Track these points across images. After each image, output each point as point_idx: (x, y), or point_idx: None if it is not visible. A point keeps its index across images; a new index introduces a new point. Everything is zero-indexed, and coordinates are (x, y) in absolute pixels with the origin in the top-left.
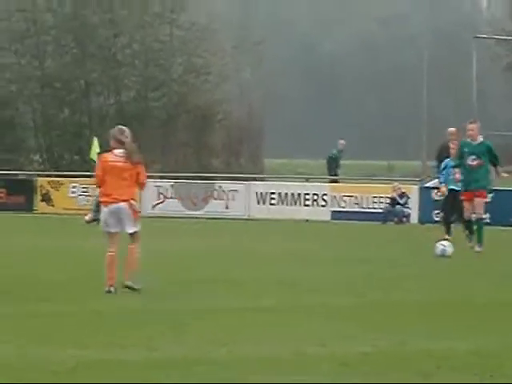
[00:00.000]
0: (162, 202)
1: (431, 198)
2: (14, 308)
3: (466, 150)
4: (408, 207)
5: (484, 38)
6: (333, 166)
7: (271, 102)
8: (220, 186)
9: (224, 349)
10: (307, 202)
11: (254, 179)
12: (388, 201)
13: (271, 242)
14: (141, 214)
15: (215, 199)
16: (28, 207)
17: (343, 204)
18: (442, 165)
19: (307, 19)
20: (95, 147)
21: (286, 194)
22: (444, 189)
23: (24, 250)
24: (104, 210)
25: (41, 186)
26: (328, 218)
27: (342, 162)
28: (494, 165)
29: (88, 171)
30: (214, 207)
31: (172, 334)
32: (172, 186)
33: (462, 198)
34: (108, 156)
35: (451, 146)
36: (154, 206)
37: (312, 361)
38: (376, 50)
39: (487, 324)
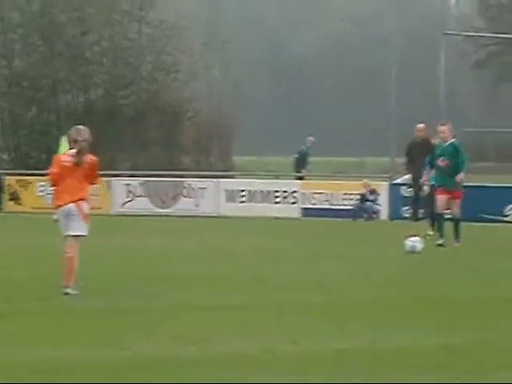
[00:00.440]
0: (131, 201)
1: (401, 194)
2: None
3: (437, 151)
4: (378, 204)
5: (453, 34)
6: (301, 162)
7: (241, 100)
8: (189, 184)
9: (195, 347)
10: (277, 200)
11: (224, 177)
12: (358, 197)
13: (241, 240)
14: (110, 213)
15: (184, 197)
16: None
17: (313, 201)
18: (427, 162)
19: (276, 19)
20: (63, 146)
21: (256, 191)
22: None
23: None
24: (58, 211)
25: (8, 184)
26: (298, 215)
27: (311, 158)
28: (460, 169)
29: None
30: (184, 205)
31: (144, 333)
32: (141, 184)
33: (436, 193)
34: (62, 156)
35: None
36: (123, 205)
37: (282, 358)
38: (345, 50)
39: (458, 319)
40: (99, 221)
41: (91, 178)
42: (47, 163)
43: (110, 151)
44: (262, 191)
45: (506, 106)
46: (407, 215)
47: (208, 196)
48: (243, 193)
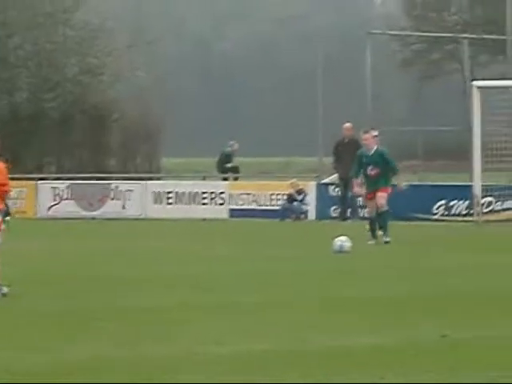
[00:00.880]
0: (57, 204)
1: (328, 194)
2: None
3: (363, 160)
4: (306, 204)
5: (378, 33)
6: (224, 162)
7: (167, 101)
8: (116, 186)
9: (122, 348)
10: (204, 201)
11: (151, 178)
12: (286, 197)
13: (168, 241)
14: (37, 216)
15: (112, 199)
16: None
17: (241, 202)
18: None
19: (202, 19)
20: None
21: (183, 192)
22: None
23: None
24: None
25: None
26: (226, 216)
27: (239, 159)
28: (394, 173)
29: None
30: (111, 207)
31: (69, 335)
32: (68, 186)
33: (367, 198)
34: None
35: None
36: (49, 208)
37: (207, 359)
38: (271, 50)
39: (389, 319)
40: (25, 224)
41: (2, 189)
42: None
43: (36, 154)
44: (189, 193)
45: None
46: (335, 215)
47: (135, 198)
48: (170, 194)
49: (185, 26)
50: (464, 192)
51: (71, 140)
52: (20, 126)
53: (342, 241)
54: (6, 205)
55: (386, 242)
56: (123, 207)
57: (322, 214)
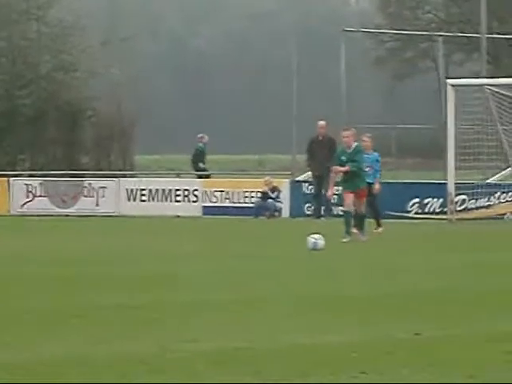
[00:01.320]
0: (31, 201)
1: (302, 191)
2: None
3: (343, 158)
4: (280, 201)
5: (352, 31)
6: (199, 158)
7: (141, 99)
8: (90, 183)
9: (96, 347)
10: (178, 198)
11: (124, 176)
12: (259, 195)
13: (142, 239)
14: (10, 213)
15: (85, 196)
16: None
17: (214, 199)
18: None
19: (176, 16)
20: None
21: (157, 190)
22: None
23: None
24: None
25: None
26: (199, 213)
27: (212, 156)
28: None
29: None
30: (84, 204)
31: (46, 333)
32: (41, 183)
33: (344, 193)
34: None
35: (363, 139)
36: (22, 205)
37: (181, 357)
38: (245, 47)
39: (360, 317)
40: None
41: None
42: None
43: (9, 151)
44: (163, 190)
45: (406, 102)
46: (309, 212)
47: (108, 195)
48: (144, 192)
49: (159, 24)
50: (438, 190)
51: (45, 137)
52: None
53: (316, 238)
54: None
55: (364, 241)
56: (97, 204)
57: (295, 212)
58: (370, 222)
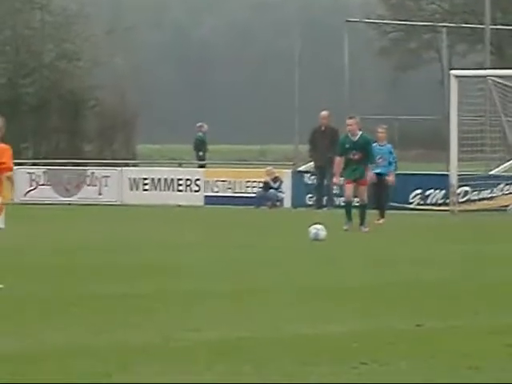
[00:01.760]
0: (34, 189)
1: (304, 182)
2: None
3: (347, 145)
4: (281, 191)
5: (355, 21)
6: (199, 148)
7: (144, 88)
8: (93, 172)
9: (98, 336)
10: (180, 188)
11: (127, 165)
12: (261, 185)
13: (144, 228)
14: (13, 202)
15: (88, 185)
16: None
17: (216, 189)
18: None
19: (179, 5)
20: None
21: (159, 179)
22: (371, 177)
23: None
24: None
25: None
26: (201, 202)
27: (213, 146)
28: (371, 163)
29: None
30: (87, 193)
31: (45, 321)
32: (44, 172)
33: (345, 183)
34: None
35: (378, 130)
36: (26, 193)
37: (186, 346)
38: (248, 37)
39: (361, 307)
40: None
41: (2, 166)
42: None
43: (12, 140)
44: (165, 179)
45: (409, 93)
46: (311, 203)
47: (111, 184)
48: (146, 181)
49: (162, 14)
50: (440, 181)
51: (48, 126)
52: None
53: (318, 229)
54: None
55: (365, 232)
56: (99, 193)
57: (297, 202)
58: (371, 214)
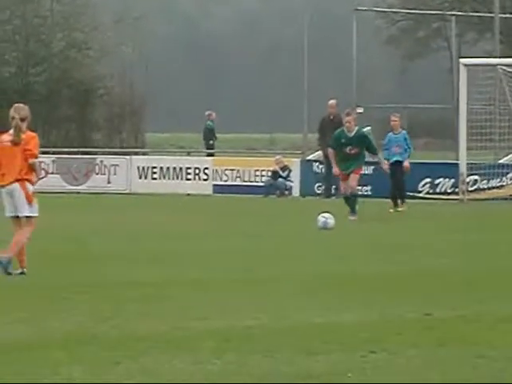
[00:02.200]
0: (43, 178)
1: (313, 170)
2: None
3: (342, 140)
4: (290, 180)
5: (364, 10)
6: (209, 137)
7: (153, 77)
8: (101, 161)
9: (106, 325)
10: (189, 176)
11: (136, 153)
12: (270, 174)
13: (153, 217)
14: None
15: (97, 174)
16: None
17: (225, 177)
18: (385, 139)
19: None
20: None
21: (168, 168)
22: (386, 166)
23: None
24: (2, 191)
25: None
26: (210, 191)
27: (223, 135)
28: (373, 154)
29: None
30: (96, 182)
31: (51, 311)
32: (53, 161)
33: (340, 177)
34: (2, 135)
35: (392, 118)
36: (35, 182)
37: (192, 335)
38: (257, 25)
39: (370, 296)
40: None
41: (26, 154)
42: None
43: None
44: (174, 168)
45: (418, 81)
46: (319, 192)
47: (120, 173)
48: (155, 170)
49: (171, 3)
50: (450, 170)
51: (57, 115)
52: (7, 101)
53: (326, 217)
54: None
55: (352, 221)
56: (108, 182)
57: (306, 191)
58: (382, 203)
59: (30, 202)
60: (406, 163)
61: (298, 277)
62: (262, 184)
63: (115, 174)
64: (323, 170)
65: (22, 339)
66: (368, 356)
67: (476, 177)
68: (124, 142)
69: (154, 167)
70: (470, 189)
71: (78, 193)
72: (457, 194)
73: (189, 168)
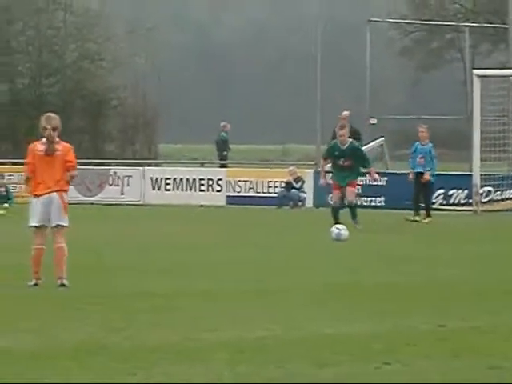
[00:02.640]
0: None
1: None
2: None
3: (336, 153)
4: (303, 191)
5: (378, 21)
6: (223, 148)
7: (165, 88)
8: (115, 172)
9: (118, 336)
10: (202, 187)
11: (149, 165)
12: (283, 185)
13: (166, 228)
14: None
15: (110, 185)
16: None
17: (238, 189)
18: (412, 148)
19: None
20: None
21: (181, 179)
22: (411, 176)
23: None
24: (33, 201)
25: None
26: (223, 203)
27: (235, 146)
28: (364, 166)
29: None
30: (109, 193)
31: (64, 322)
32: None
33: (333, 187)
34: (37, 144)
35: (420, 129)
36: None
37: (203, 346)
38: (270, 35)
39: (382, 307)
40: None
41: (67, 165)
42: None
43: (35, 140)
44: (187, 179)
45: (432, 92)
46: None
47: (133, 184)
48: (168, 181)
49: (183, 14)
50: (463, 181)
51: (70, 126)
52: (21, 112)
53: (340, 229)
54: (7, 189)
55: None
56: (122, 193)
57: (319, 202)
58: (393, 213)
59: (66, 213)
60: (426, 176)
61: (308, 287)
62: (275, 195)
63: (128, 185)
64: None
65: (32, 349)
66: (382, 367)
67: (490, 188)
68: (137, 153)
69: (168, 178)
70: (484, 200)
71: (92, 204)
72: (470, 205)
73: (202, 179)
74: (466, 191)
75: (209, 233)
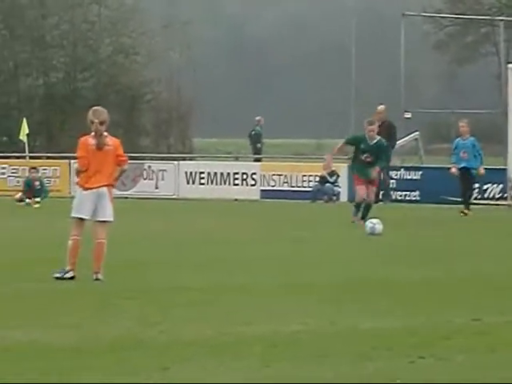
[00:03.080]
0: None
1: None
2: None
3: (362, 146)
4: (338, 185)
5: (412, 15)
6: (256, 142)
7: (199, 82)
8: (149, 166)
9: (153, 330)
10: (236, 181)
11: (184, 159)
12: (318, 179)
13: (200, 222)
14: (71, 195)
15: (145, 179)
16: None
17: (272, 183)
18: (453, 144)
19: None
20: (24, 128)
21: (216, 173)
22: (454, 170)
23: None
24: (82, 193)
25: None
26: (257, 197)
27: (269, 140)
28: (380, 166)
29: (17, 152)
30: (144, 187)
31: (99, 316)
32: None
33: (357, 183)
34: (88, 138)
35: (460, 124)
36: None
37: (238, 339)
38: (304, 29)
39: (416, 301)
40: (59, 203)
41: (117, 160)
42: (8, 146)
43: (70, 134)
44: (221, 173)
45: (466, 86)
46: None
47: (168, 178)
48: (203, 175)
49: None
50: (498, 175)
51: None
52: (55, 106)
53: (374, 223)
54: (41, 183)
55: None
56: (156, 187)
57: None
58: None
59: (111, 208)
60: (481, 170)
61: (343, 282)
62: (309, 189)
63: (163, 179)
64: None
65: (69, 344)
66: (416, 361)
67: None
68: (171, 147)
69: (202, 172)
70: None
71: (126, 198)
72: (505, 199)
73: (236, 173)
74: (500, 185)
75: (243, 227)
